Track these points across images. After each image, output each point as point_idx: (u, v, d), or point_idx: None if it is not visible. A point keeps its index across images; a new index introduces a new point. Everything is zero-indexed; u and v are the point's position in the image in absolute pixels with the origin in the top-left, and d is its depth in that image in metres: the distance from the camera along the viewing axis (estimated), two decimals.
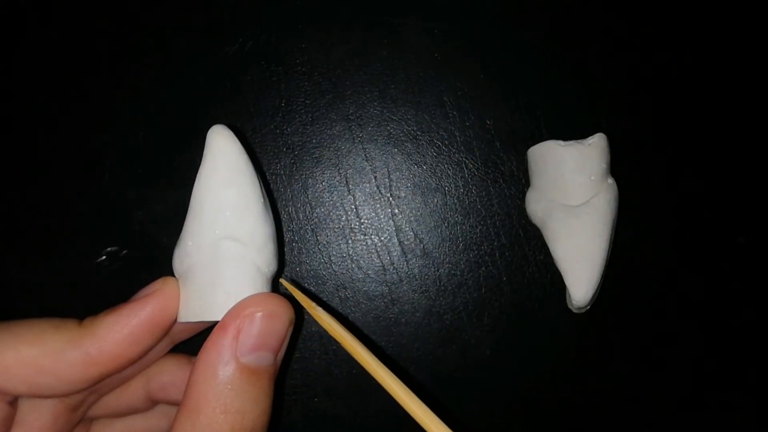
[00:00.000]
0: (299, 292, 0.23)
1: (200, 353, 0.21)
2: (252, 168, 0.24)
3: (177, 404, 0.26)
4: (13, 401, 0.22)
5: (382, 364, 0.20)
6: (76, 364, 0.21)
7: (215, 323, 0.21)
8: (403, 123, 0.34)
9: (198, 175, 0.23)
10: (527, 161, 0.33)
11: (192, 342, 0.27)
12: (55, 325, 0.21)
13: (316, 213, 0.34)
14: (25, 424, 0.23)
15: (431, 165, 0.34)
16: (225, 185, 0.23)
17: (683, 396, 0.34)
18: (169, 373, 0.26)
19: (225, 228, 0.23)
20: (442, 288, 0.34)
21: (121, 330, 0.22)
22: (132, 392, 0.26)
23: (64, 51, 0.34)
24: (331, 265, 0.34)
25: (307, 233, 0.34)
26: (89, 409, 0.25)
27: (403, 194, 0.34)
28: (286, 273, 0.34)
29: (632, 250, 0.34)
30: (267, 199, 0.24)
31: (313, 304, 0.22)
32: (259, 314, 0.21)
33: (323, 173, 0.34)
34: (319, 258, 0.34)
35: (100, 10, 0.34)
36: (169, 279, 0.23)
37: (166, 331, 0.23)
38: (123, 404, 0.26)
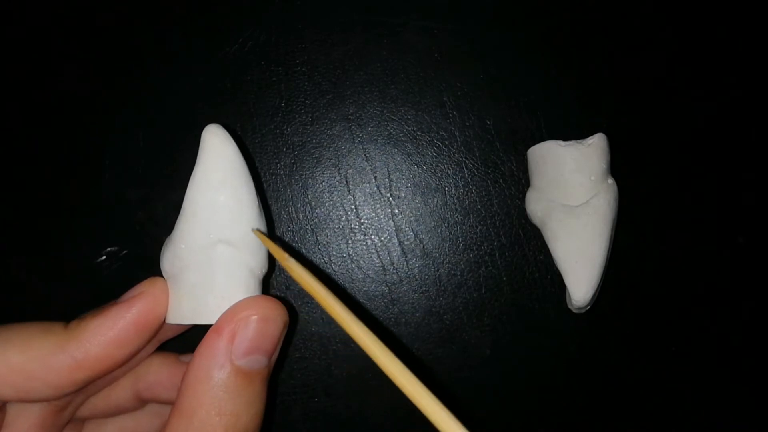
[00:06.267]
0: (271, 242, 0.22)
1: (195, 356, 0.21)
2: (247, 169, 0.23)
3: (166, 403, 0.26)
4: (1, 406, 0.22)
5: (358, 321, 0.19)
6: (63, 369, 0.21)
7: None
8: (403, 123, 0.34)
9: (192, 176, 0.23)
10: (527, 161, 0.33)
11: (179, 340, 0.26)
12: (41, 330, 0.21)
13: (316, 213, 0.34)
14: (12, 427, 0.22)
15: (431, 165, 0.34)
16: (219, 187, 0.22)
17: (683, 396, 0.34)
18: (156, 372, 0.25)
19: (219, 231, 0.22)
20: (442, 288, 0.34)
21: (106, 333, 0.21)
22: (120, 392, 0.26)
23: (64, 51, 0.34)
24: (331, 265, 0.34)
25: (307, 233, 0.34)
26: (77, 410, 0.25)
27: (403, 194, 0.34)
28: (286, 273, 0.34)
29: (632, 250, 0.34)
30: (259, 201, 0.24)
31: (286, 255, 0.21)
32: (254, 318, 0.21)
33: (323, 173, 0.34)
34: (319, 258, 0.34)
35: (100, 10, 0.34)
36: (157, 280, 0.23)
37: (154, 333, 0.23)
38: (111, 404, 0.26)
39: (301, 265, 0.21)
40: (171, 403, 0.26)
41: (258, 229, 0.22)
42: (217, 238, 0.22)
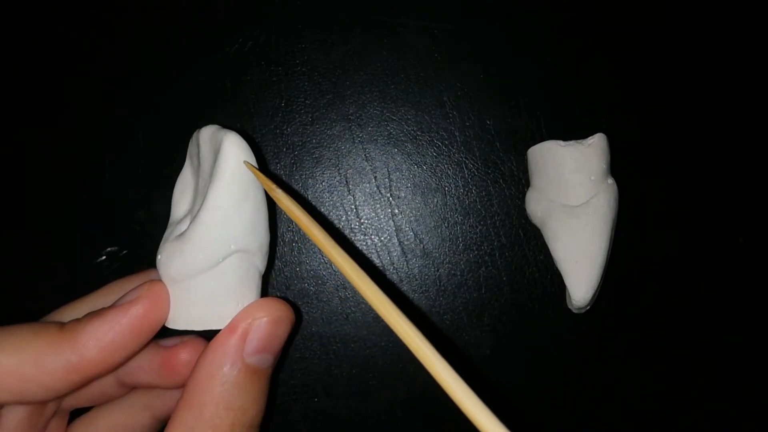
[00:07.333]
0: (260, 174, 0.22)
1: (206, 352, 0.21)
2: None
3: (147, 387, 0.26)
4: None
5: (340, 249, 0.20)
6: (58, 371, 0.21)
7: None
8: (403, 123, 0.34)
9: (211, 188, 0.22)
10: (527, 161, 0.33)
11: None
12: (36, 331, 0.21)
13: (316, 213, 0.34)
14: (2, 424, 0.22)
15: (431, 165, 0.34)
16: (243, 200, 0.22)
17: (683, 396, 0.34)
18: (137, 357, 0.25)
19: (239, 241, 0.22)
20: (442, 288, 0.34)
21: (103, 337, 0.21)
22: (101, 379, 0.25)
23: (64, 51, 0.34)
24: (331, 265, 0.34)
25: None
26: (62, 401, 0.25)
27: (403, 194, 0.34)
28: (286, 273, 0.34)
29: (632, 250, 0.34)
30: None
31: (273, 186, 0.22)
32: (265, 319, 0.22)
33: (323, 173, 0.34)
34: (319, 258, 0.34)
35: (100, 10, 0.34)
36: (156, 283, 0.23)
37: (152, 336, 0.23)
38: (95, 392, 0.26)
39: (288, 196, 0.22)
40: (152, 387, 0.26)
41: (247, 162, 0.22)
42: (236, 248, 0.22)
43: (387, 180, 0.34)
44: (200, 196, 0.23)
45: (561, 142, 0.31)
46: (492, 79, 0.34)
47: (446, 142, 0.34)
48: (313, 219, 0.21)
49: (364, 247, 0.34)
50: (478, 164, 0.34)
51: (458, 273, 0.34)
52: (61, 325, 0.22)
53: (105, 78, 0.34)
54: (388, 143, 0.34)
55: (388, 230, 0.34)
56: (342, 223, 0.34)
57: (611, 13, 0.35)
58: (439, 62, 0.34)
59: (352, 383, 0.34)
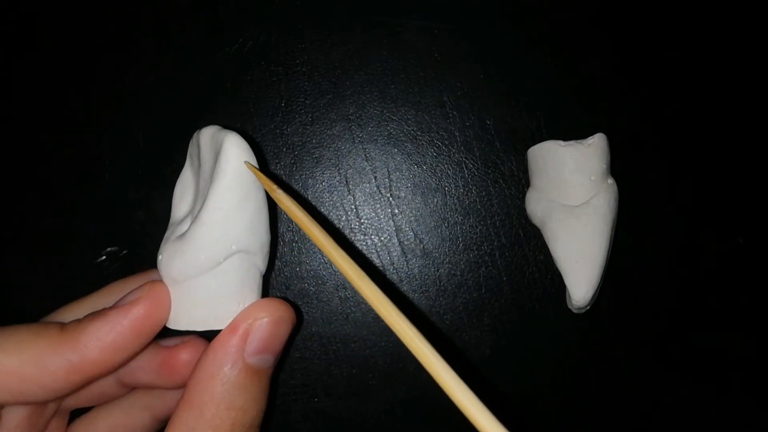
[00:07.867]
0: (261, 174, 0.22)
1: (207, 352, 0.21)
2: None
3: (148, 387, 0.26)
4: None
5: (340, 250, 0.21)
6: (59, 372, 0.21)
7: None
8: (403, 123, 0.34)
9: (212, 188, 0.22)
10: (527, 161, 0.33)
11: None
12: (37, 331, 0.21)
13: (316, 213, 0.34)
14: (2, 424, 0.22)
15: (431, 165, 0.34)
16: (244, 201, 0.22)
17: (683, 395, 0.34)
18: (138, 358, 0.25)
19: (240, 243, 0.22)
20: (442, 288, 0.34)
21: (104, 338, 0.21)
22: (102, 379, 0.25)
23: (64, 51, 0.34)
24: (331, 265, 0.34)
25: None
26: (62, 401, 0.25)
27: (403, 194, 0.34)
28: (286, 273, 0.34)
29: (632, 250, 0.34)
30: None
31: (274, 187, 0.22)
32: (266, 319, 0.22)
33: (323, 173, 0.34)
34: (319, 258, 0.34)
35: (100, 10, 0.34)
36: (157, 284, 0.23)
37: (153, 337, 0.23)
38: (95, 392, 0.26)
39: (289, 196, 0.22)
40: (153, 388, 0.26)
41: (248, 162, 0.22)
42: (237, 249, 0.22)
43: (387, 180, 0.34)
44: (201, 196, 0.23)
45: (561, 142, 0.31)
46: (492, 79, 0.34)
47: (446, 142, 0.34)
48: (313, 219, 0.21)
49: (364, 247, 0.34)
50: (478, 164, 0.34)
51: (458, 273, 0.34)
52: (62, 326, 0.22)
53: (105, 78, 0.34)
54: (388, 143, 0.34)
55: (388, 230, 0.34)
56: (342, 223, 0.34)
57: (611, 13, 0.35)
58: (439, 62, 0.34)
59: (352, 383, 0.34)
